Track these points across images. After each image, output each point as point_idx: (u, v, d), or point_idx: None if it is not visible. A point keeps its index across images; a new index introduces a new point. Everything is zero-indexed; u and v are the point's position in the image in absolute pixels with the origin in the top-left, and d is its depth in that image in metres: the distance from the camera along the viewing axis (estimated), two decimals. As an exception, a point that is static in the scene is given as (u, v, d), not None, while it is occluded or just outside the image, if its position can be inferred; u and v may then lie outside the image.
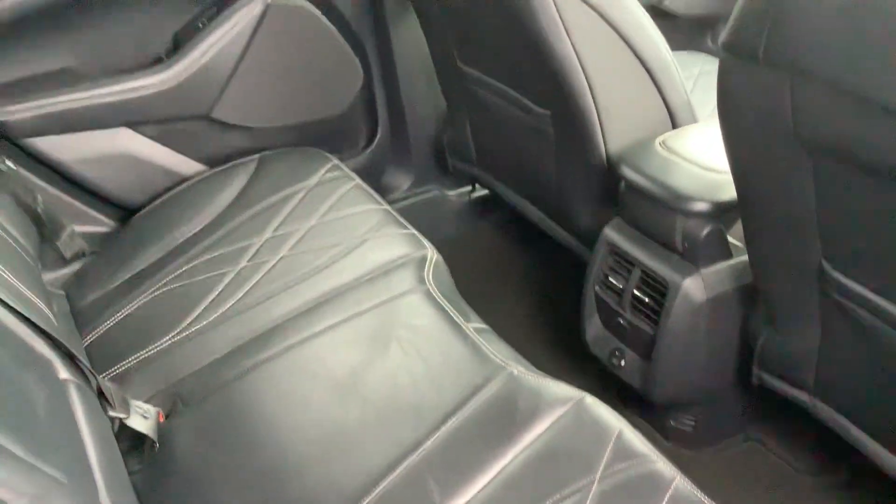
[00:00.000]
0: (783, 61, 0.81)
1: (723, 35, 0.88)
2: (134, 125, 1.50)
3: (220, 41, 1.51)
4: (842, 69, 0.76)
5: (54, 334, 0.91)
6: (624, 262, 1.29)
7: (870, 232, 0.87)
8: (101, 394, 0.95)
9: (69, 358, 0.92)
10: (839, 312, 0.97)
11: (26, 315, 0.89)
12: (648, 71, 1.26)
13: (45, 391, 0.82)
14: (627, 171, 1.24)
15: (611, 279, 1.32)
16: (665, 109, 1.30)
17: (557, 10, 1.17)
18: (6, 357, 0.80)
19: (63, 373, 0.89)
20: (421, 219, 1.44)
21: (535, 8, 1.17)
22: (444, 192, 1.92)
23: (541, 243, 1.69)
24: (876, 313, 0.91)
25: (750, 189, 1.00)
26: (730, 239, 1.20)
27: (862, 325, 0.95)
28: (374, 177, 1.77)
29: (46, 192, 1.45)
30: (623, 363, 1.32)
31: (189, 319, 1.19)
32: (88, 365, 0.95)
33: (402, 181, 1.87)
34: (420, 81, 1.74)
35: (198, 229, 1.38)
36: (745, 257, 1.13)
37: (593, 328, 1.39)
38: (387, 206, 1.38)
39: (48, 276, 1.36)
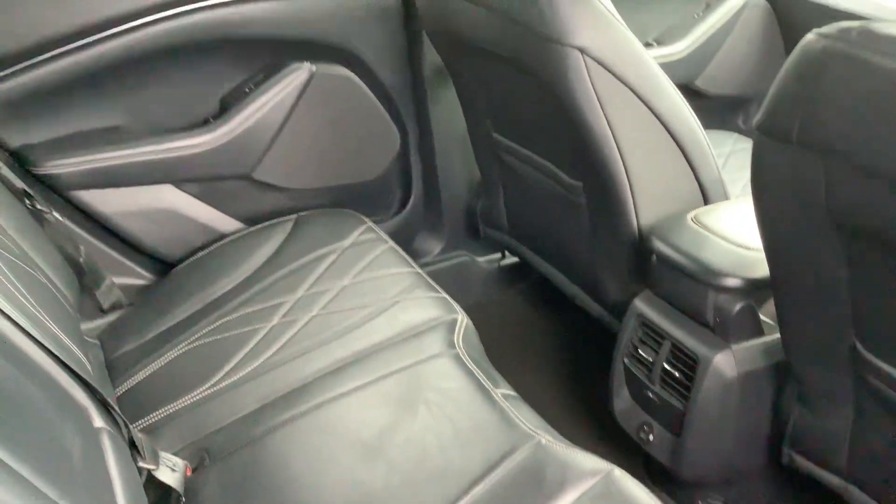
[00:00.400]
0: (816, 143, 0.83)
1: (758, 116, 0.90)
2: (178, 182, 1.54)
3: (265, 106, 1.57)
4: (873, 152, 0.78)
5: (92, 383, 0.93)
6: (654, 335, 1.29)
7: (903, 313, 0.87)
8: (132, 444, 0.96)
9: (104, 406, 0.94)
10: (872, 393, 0.96)
11: (66, 363, 0.91)
12: (681, 147, 1.28)
13: (81, 438, 0.83)
14: (659, 245, 1.26)
15: (640, 352, 1.32)
16: (697, 185, 1.32)
17: (592, 85, 1.20)
18: (47, 403, 0.82)
19: (98, 421, 0.91)
20: (451, 283, 1.45)
21: (570, 82, 1.20)
22: (474, 257, 1.94)
23: (570, 312, 1.70)
24: (910, 396, 0.91)
25: (782, 267, 1.00)
26: (762, 317, 1.20)
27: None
28: (406, 240, 1.80)
29: (89, 243, 1.49)
30: (651, 438, 1.31)
31: (220, 374, 1.20)
32: (122, 416, 0.96)
33: (433, 245, 1.90)
34: (455, 149, 1.78)
35: (233, 285, 1.41)
36: (777, 335, 1.12)
37: (622, 401, 1.38)
38: (418, 269, 1.40)
39: (85, 326, 1.38)
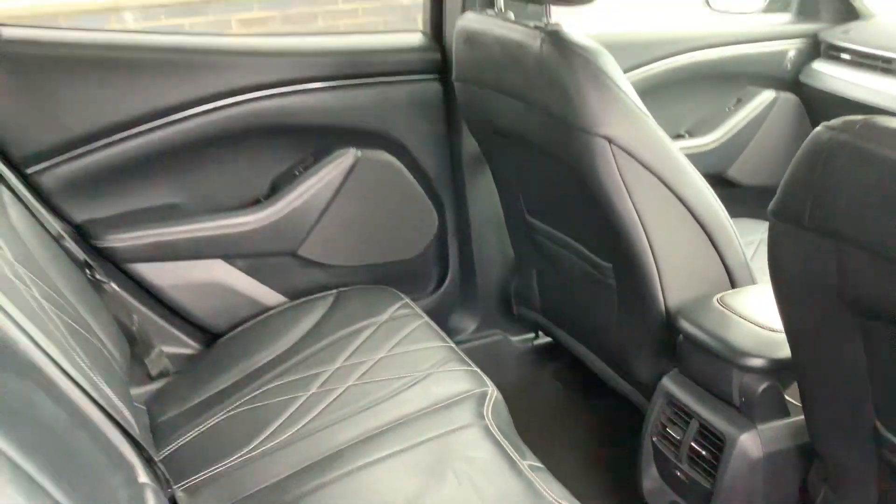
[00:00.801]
0: (826, 227, 0.87)
1: (772, 202, 0.95)
2: (227, 257, 1.64)
3: (312, 188, 1.67)
4: (882, 237, 0.82)
5: (140, 440, 0.99)
6: (681, 414, 1.31)
7: (920, 394, 0.89)
8: (172, 502, 1.01)
9: (149, 464, 0.99)
10: (894, 473, 0.97)
11: (117, 420, 0.98)
12: (706, 232, 1.33)
13: (127, 491, 0.89)
14: (686, 325, 1.29)
15: (668, 430, 1.33)
16: (723, 268, 1.36)
17: (619, 172, 1.27)
18: (99, 454, 0.88)
19: (143, 477, 0.96)
20: (484, 360, 1.49)
21: (598, 169, 1.27)
22: (508, 336, 1.98)
23: (601, 392, 1.72)
24: (932, 477, 0.91)
25: (802, 349, 1.03)
26: (787, 398, 1.22)
27: (919, 489, 0.94)
28: (441, 317, 1.85)
29: (142, 313, 1.58)
30: (679, 517, 1.31)
31: (258, 440, 1.25)
32: (166, 473, 1.02)
33: (468, 323, 1.95)
34: (490, 231, 1.85)
35: (274, 356, 1.47)
36: (802, 417, 1.14)
37: (650, 479, 1.38)
38: (452, 344, 1.45)
39: (134, 391, 1.45)
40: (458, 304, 1.94)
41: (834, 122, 0.88)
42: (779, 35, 2.16)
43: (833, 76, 2.06)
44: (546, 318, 1.80)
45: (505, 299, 1.92)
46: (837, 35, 2.10)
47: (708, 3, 1.97)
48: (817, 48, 2.15)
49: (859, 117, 0.86)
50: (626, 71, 1.56)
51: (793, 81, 2.16)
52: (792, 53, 2.15)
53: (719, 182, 2.14)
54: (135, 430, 1.09)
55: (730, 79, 2.15)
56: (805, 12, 2.20)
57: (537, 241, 1.67)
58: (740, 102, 2.17)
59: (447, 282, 1.90)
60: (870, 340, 0.91)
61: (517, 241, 1.78)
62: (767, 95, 2.15)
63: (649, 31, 2.06)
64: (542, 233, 1.63)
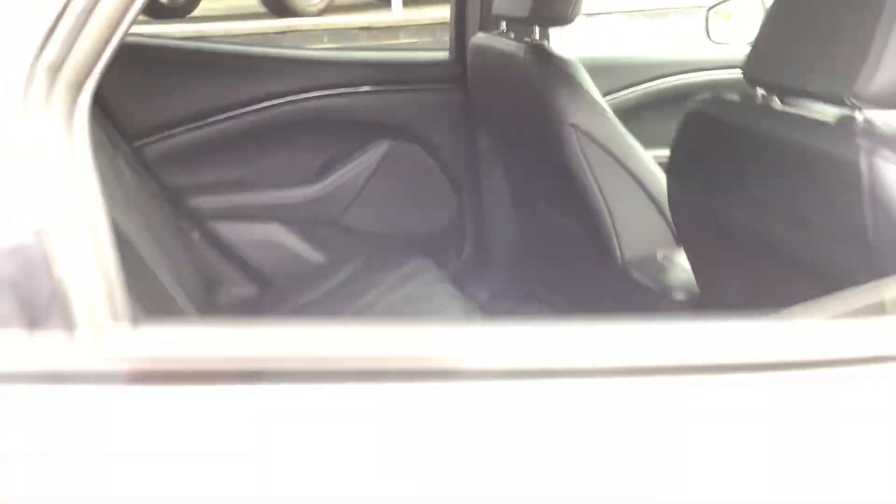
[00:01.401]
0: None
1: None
2: (283, 222, 2.06)
3: (352, 170, 2.09)
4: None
5: None
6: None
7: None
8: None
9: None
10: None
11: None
12: (654, 201, 1.67)
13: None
14: (636, 274, 1.64)
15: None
16: (668, 230, 1.69)
17: (583, 153, 1.63)
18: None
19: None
20: None
21: (567, 151, 1.64)
22: (515, 309, 2.32)
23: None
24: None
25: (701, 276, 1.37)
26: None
27: None
28: (457, 286, 2.21)
29: (213, 258, 2.00)
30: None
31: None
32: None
33: (480, 294, 2.31)
34: (501, 212, 2.22)
35: (311, 299, 1.87)
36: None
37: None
38: (467, 303, 1.79)
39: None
40: (472, 275, 2.30)
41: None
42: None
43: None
44: (545, 289, 2.15)
45: (514, 273, 2.28)
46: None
47: (708, 35, 2.31)
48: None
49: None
50: (618, 90, 1.95)
51: None
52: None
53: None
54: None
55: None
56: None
57: (535, 220, 2.03)
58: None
59: (463, 255, 2.27)
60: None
61: (522, 220, 2.15)
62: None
63: (637, 56, 2.42)
64: (538, 211, 1.99)
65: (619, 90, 2.20)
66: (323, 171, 2.10)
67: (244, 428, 0.48)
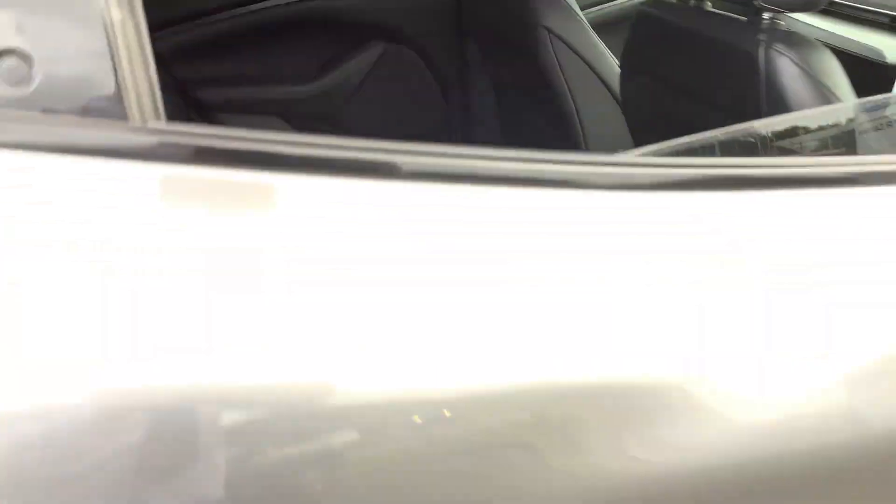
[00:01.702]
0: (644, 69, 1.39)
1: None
2: (282, 115, 2.23)
3: (349, 70, 2.24)
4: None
5: None
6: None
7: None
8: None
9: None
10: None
11: None
12: (618, 102, 1.84)
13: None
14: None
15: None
16: (629, 133, 1.87)
17: (555, 55, 1.79)
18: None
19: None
20: None
21: (540, 53, 1.80)
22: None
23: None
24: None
25: None
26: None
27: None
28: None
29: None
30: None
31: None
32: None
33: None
34: (489, 115, 2.38)
35: None
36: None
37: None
38: None
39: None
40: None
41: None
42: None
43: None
44: None
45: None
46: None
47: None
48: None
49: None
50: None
51: None
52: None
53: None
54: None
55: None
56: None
57: (520, 128, 2.20)
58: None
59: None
60: None
61: (505, 125, 2.31)
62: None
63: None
64: (522, 120, 2.16)
65: (599, 3, 2.34)
66: (322, 71, 2.25)
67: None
